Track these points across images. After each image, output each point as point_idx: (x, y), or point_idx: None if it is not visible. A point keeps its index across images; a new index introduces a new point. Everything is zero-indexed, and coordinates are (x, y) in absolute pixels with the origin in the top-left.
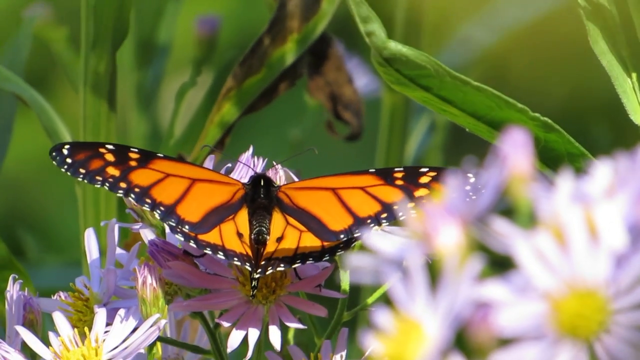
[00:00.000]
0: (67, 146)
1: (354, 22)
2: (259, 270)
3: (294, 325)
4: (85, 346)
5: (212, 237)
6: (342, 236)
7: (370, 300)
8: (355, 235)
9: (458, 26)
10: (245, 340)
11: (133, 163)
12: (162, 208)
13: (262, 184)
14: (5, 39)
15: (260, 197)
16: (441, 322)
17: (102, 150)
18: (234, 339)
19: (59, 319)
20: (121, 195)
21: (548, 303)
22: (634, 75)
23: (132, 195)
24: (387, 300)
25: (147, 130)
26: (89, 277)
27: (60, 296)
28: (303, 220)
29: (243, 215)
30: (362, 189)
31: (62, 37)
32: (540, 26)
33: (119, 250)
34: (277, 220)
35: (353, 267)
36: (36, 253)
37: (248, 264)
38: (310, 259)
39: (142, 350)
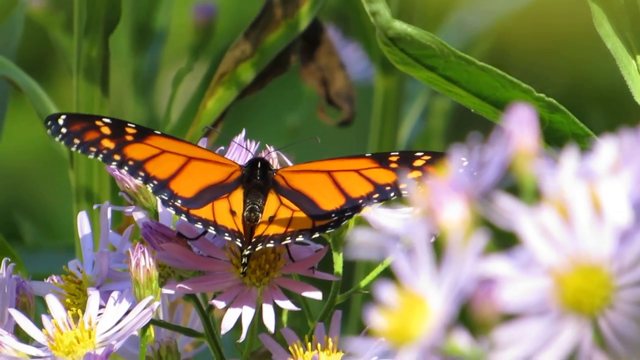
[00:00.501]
0: (63, 116)
1: (350, 8)
2: (249, 247)
3: (287, 307)
4: (79, 328)
5: (204, 212)
6: (333, 215)
7: (363, 282)
8: (346, 214)
9: (454, 9)
10: (238, 322)
11: (129, 137)
12: (155, 182)
13: (259, 166)
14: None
15: (257, 179)
16: (445, 297)
17: (98, 123)
18: (228, 321)
19: (52, 301)
20: (115, 167)
21: (552, 279)
22: (638, 57)
23: (126, 168)
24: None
25: (143, 116)
26: (82, 260)
27: (53, 279)
28: (297, 200)
29: (238, 195)
30: (356, 171)
31: (59, 22)
32: (539, 9)
33: (112, 234)
34: (271, 201)
35: (357, 244)
36: (32, 238)
37: (239, 240)
38: (300, 236)
39: (135, 333)
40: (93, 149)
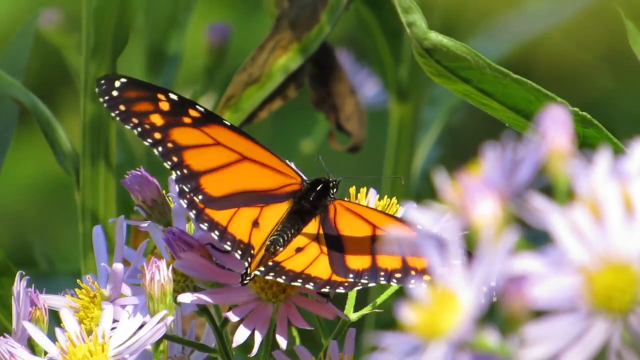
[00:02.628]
0: (122, 79)
1: (366, 34)
2: (261, 269)
3: (301, 325)
4: (92, 342)
5: (219, 215)
6: (350, 276)
7: (378, 300)
8: (362, 281)
9: (489, 20)
10: (251, 336)
11: (187, 120)
12: (185, 170)
13: (317, 188)
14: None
15: (308, 201)
16: (476, 292)
17: (160, 96)
18: (241, 334)
19: (66, 315)
20: (148, 144)
21: (582, 276)
22: None
23: (160, 149)
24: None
25: None
26: (96, 274)
27: (67, 293)
28: (330, 242)
29: (278, 209)
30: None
31: (72, 43)
32: (572, 25)
33: (126, 249)
34: (309, 230)
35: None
36: (46, 263)
37: (240, 253)
38: (311, 284)
39: (148, 347)
40: (135, 121)
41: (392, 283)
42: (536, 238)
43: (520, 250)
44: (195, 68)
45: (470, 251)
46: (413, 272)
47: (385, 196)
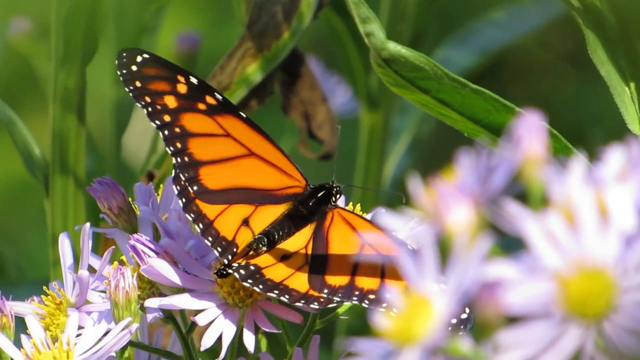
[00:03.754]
0: (145, 55)
1: (336, 43)
2: (242, 272)
3: (268, 329)
4: (57, 349)
5: (208, 208)
6: (325, 292)
7: (342, 308)
8: (336, 298)
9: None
10: (218, 341)
11: (202, 106)
12: (186, 158)
13: (318, 194)
14: None
15: (307, 206)
16: (450, 298)
17: (180, 77)
18: (208, 339)
19: (31, 321)
20: (155, 126)
21: (556, 282)
22: (632, 85)
23: (166, 132)
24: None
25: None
26: (61, 280)
27: (33, 300)
28: (317, 253)
29: (273, 211)
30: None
31: (41, 51)
32: (536, 37)
33: (92, 256)
34: (301, 237)
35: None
36: (16, 271)
37: (220, 250)
38: (287, 296)
39: (113, 354)
40: (147, 99)
41: (364, 304)
42: (510, 245)
43: (494, 256)
44: None
45: (444, 257)
46: (388, 296)
47: (350, 203)
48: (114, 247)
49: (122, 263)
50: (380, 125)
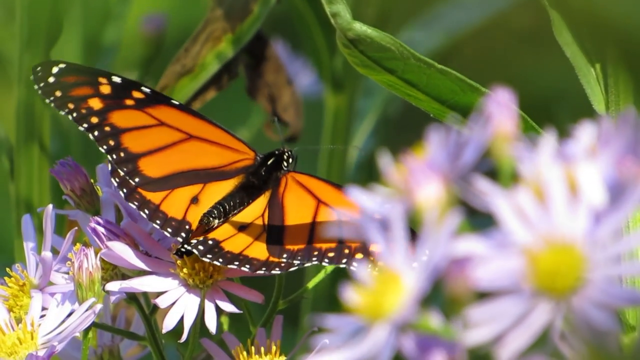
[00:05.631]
0: (61, 65)
1: (300, 25)
2: (200, 247)
3: (229, 309)
4: (21, 330)
5: (152, 194)
6: (284, 256)
7: (309, 285)
8: (295, 262)
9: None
10: (180, 322)
11: (129, 102)
12: (122, 154)
13: (268, 162)
14: None
15: (259, 175)
16: (419, 274)
17: (101, 79)
18: (170, 320)
19: None
20: (83, 129)
21: (525, 258)
22: (597, 66)
23: (97, 133)
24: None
25: None
26: (25, 262)
27: None
28: (273, 219)
29: (222, 186)
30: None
31: (6, 34)
32: (498, 19)
33: (55, 237)
34: (256, 207)
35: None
36: None
37: (170, 231)
38: (248, 266)
39: (77, 334)
40: (70, 106)
41: (324, 263)
42: (483, 225)
43: (464, 232)
44: (133, 58)
45: (414, 232)
46: (346, 251)
47: None
48: (76, 228)
49: (85, 244)
50: (345, 107)
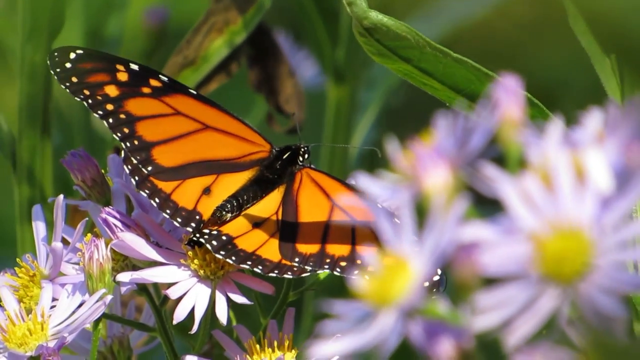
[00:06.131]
0: (78, 51)
1: (304, 17)
2: (214, 243)
3: (240, 300)
4: (31, 320)
5: (164, 183)
6: (296, 260)
7: (320, 277)
8: (307, 267)
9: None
10: (191, 313)
11: (146, 90)
12: (136, 142)
13: (284, 156)
14: None
15: (274, 169)
16: (427, 259)
17: (119, 66)
18: (181, 312)
19: (5, 294)
20: (98, 116)
21: (533, 244)
22: (612, 56)
23: (111, 120)
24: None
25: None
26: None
27: (6, 272)
28: (287, 218)
29: (237, 178)
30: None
31: (9, 26)
32: (500, 10)
33: (65, 227)
34: (269, 202)
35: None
36: None
37: (180, 221)
38: (260, 267)
39: (87, 326)
40: (86, 92)
41: (335, 272)
42: (490, 211)
43: (471, 218)
44: (135, 50)
45: (421, 219)
46: (359, 262)
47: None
48: (87, 219)
49: (95, 235)
50: (346, 99)
